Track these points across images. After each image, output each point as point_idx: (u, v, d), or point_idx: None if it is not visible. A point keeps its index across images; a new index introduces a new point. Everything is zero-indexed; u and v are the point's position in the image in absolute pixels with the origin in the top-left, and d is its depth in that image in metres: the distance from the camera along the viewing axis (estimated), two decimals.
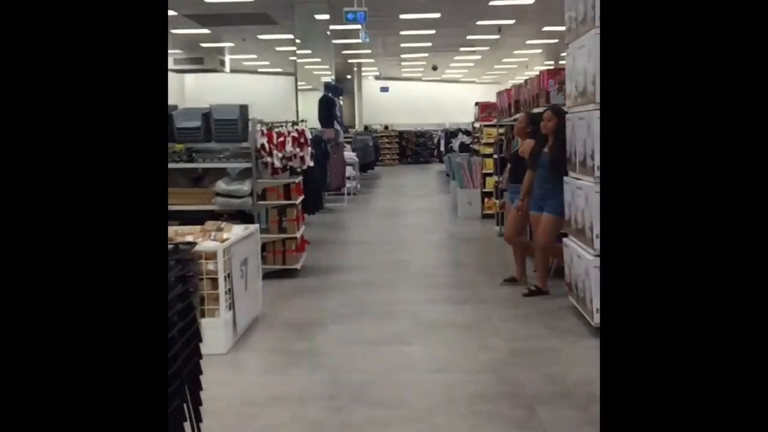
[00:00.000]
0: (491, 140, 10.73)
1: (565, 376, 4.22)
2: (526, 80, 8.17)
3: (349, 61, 27.96)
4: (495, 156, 10.04)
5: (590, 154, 4.94)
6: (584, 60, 5.05)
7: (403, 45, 24.11)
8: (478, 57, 27.91)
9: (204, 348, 3.26)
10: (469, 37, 22.55)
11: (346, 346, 4.92)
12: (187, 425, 2.87)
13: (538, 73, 7.37)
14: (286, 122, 7.97)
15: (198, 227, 5.18)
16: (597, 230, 4.89)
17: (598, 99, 4.78)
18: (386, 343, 5.00)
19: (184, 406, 2.83)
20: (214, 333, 4.55)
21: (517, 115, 6.09)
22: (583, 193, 5.14)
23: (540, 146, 6.12)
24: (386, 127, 31.44)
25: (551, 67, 8.21)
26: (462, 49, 25.33)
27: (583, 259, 5.12)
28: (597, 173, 4.86)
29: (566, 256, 5.73)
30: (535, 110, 7.22)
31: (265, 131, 6.95)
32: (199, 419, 3.14)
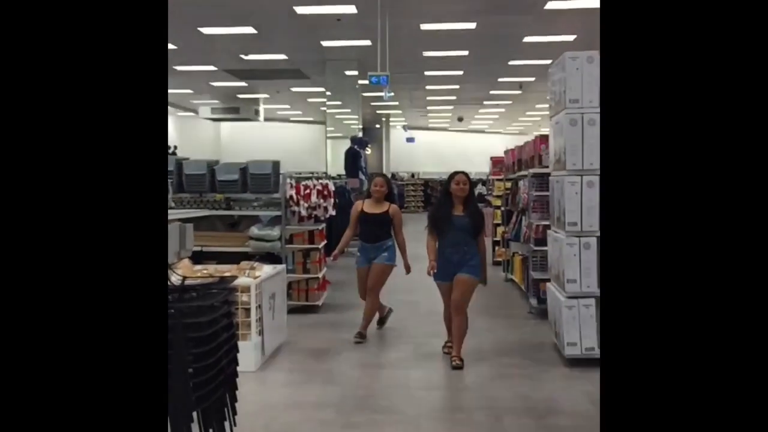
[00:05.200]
0: (500, 193, 11.63)
1: (532, 395, 5.12)
2: (525, 142, 9.15)
3: (378, 111, 29.18)
4: (502, 208, 10.95)
5: (563, 212, 5.89)
6: (559, 133, 6.03)
7: (428, 98, 25.23)
8: (503, 110, 28.94)
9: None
10: (492, 92, 23.62)
11: (355, 369, 5.87)
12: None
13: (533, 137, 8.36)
14: (312, 175, 9.01)
15: (234, 266, 6.17)
16: (568, 276, 5.82)
17: (568, 166, 5.77)
18: (389, 367, 5.94)
19: (226, 395, 3.80)
20: (246, 353, 5.47)
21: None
22: (558, 245, 6.07)
23: (445, 210, 6.15)
24: (413, 175, 32.39)
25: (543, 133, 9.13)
26: (486, 102, 26.40)
27: (557, 300, 6.03)
28: (567, 228, 5.80)
29: (548, 298, 6.64)
30: (531, 170, 8.20)
31: (294, 184, 8.00)
32: (234, 411, 4.11)
